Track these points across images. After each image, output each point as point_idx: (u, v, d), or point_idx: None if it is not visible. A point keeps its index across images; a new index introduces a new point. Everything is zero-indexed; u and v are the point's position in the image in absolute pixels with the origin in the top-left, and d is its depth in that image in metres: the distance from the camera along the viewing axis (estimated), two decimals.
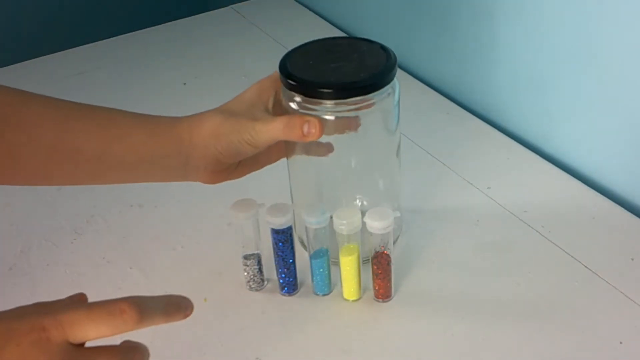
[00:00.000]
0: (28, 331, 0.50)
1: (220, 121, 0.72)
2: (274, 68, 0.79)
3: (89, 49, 1.41)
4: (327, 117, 0.77)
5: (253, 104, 0.75)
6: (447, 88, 1.19)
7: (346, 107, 0.77)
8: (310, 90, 0.76)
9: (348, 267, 0.79)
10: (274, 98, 0.77)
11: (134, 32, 1.44)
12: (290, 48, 0.81)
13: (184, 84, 1.26)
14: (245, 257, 0.82)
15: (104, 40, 1.42)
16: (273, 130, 0.72)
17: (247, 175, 1.01)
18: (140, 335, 0.79)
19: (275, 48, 1.32)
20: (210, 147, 0.72)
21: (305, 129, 0.72)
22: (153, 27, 1.46)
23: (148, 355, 0.55)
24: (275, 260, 0.81)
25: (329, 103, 0.76)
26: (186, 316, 0.55)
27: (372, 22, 1.32)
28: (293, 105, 0.79)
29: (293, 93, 0.77)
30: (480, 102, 1.14)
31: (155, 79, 1.29)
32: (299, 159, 0.84)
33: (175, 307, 0.54)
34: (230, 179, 0.77)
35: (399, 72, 0.80)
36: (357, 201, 0.85)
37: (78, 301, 0.54)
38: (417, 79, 1.22)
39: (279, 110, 0.78)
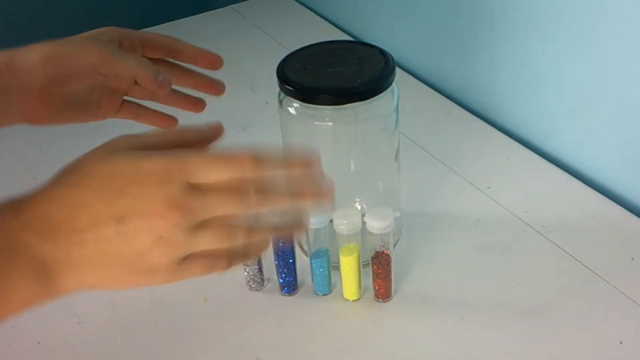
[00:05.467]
0: (152, 171, 0.51)
1: (54, 45, 0.68)
2: (273, 68, 0.79)
3: None
4: (326, 122, 0.77)
5: (89, 36, 0.71)
6: (447, 88, 1.19)
7: (344, 113, 0.77)
8: (308, 95, 0.76)
9: (348, 267, 0.79)
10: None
11: None
12: (290, 48, 0.81)
13: None
14: None
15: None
16: (127, 62, 0.69)
17: None
18: (141, 334, 0.79)
19: (275, 48, 1.32)
20: (37, 72, 0.67)
21: (160, 77, 0.70)
22: (153, 27, 1.46)
23: (267, 198, 0.54)
24: (275, 260, 0.81)
25: (327, 109, 0.76)
26: (300, 167, 0.55)
27: (372, 22, 1.32)
28: (291, 110, 0.79)
29: (291, 98, 0.77)
30: (480, 102, 1.14)
31: None
32: None
33: (291, 159, 0.55)
34: (57, 122, 0.72)
35: (399, 73, 0.80)
36: (357, 204, 0.85)
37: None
38: (417, 79, 1.22)
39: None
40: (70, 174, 0.53)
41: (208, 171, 0.52)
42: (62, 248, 0.51)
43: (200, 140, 0.57)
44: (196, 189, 0.52)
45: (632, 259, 0.84)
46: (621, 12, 0.86)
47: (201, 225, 0.52)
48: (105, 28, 0.73)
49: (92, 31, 0.73)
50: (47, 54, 0.68)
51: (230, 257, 0.56)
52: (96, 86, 0.72)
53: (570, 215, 0.91)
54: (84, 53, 0.69)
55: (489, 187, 0.96)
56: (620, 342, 0.74)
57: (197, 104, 0.79)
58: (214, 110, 1.18)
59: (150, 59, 0.74)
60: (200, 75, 0.77)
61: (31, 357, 0.78)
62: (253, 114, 1.16)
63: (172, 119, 0.77)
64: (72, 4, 1.76)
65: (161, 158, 0.52)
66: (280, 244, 0.80)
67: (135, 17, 1.63)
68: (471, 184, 0.98)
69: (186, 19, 1.48)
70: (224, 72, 1.31)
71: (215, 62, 0.76)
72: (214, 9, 1.51)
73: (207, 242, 0.53)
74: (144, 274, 0.53)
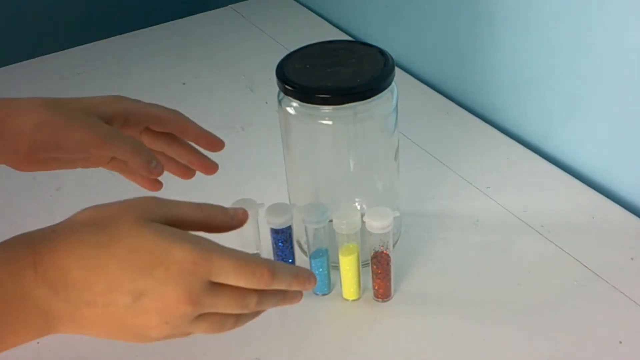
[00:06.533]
0: (180, 260, 0.53)
1: (49, 109, 0.67)
2: (273, 67, 0.79)
3: (89, 49, 1.41)
4: (325, 122, 0.77)
5: (89, 109, 0.70)
6: (447, 88, 1.19)
7: (343, 113, 0.77)
8: (307, 95, 0.76)
9: (347, 266, 0.79)
10: (120, 123, 0.72)
11: (133, 32, 1.44)
12: (289, 48, 0.81)
13: (184, 83, 1.26)
14: None
15: (104, 40, 1.42)
16: (120, 146, 0.68)
17: (247, 175, 1.02)
18: None
19: (274, 48, 1.32)
20: (26, 137, 0.66)
21: (153, 164, 0.70)
22: (152, 27, 1.46)
23: (276, 298, 0.60)
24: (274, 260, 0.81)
25: (326, 109, 0.76)
26: (306, 289, 0.60)
27: (372, 22, 1.32)
28: (290, 110, 0.79)
29: (290, 98, 0.78)
30: (480, 102, 1.14)
31: (154, 78, 1.29)
32: (296, 164, 0.84)
33: (299, 281, 0.59)
34: (44, 170, 0.71)
35: (398, 72, 0.80)
36: (356, 204, 0.85)
37: (229, 248, 0.56)
38: (417, 79, 1.22)
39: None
40: (97, 231, 0.54)
41: (230, 276, 0.54)
42: (71, 304, 0.53)
43: (225, 226, 0.60)
44: (213, 287, 0.54)
45: (632, 259, 0.84)
46: (621, 12, 0.86)
47: (201, 316, 0.55)
48: (113, 98, 0.72)
49: (99, 99, 0.72)
50: (39, 121, 0.67)
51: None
52: (85, 156, 0.71)
53: (569, 215, 0.91)
54: (76, 131, 0.67)
55: (488, 187, 0.96)
56: (620, 342, 0.74)
57: (187, 172, 0.78)
58: (214, 110, 1.18)
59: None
60: (196, 154, 0.77)
61: (31, 357, 0.78)
62: (252, 113, 1.16)
63: (157, 183, 0.76)
64: (73, 4, 1.76)
65: (191, 248, 0.54)
66: (280, 244, 0.80)
67: (135, 17, 1.63)
68: (471, 183, 0.98)
69: (186, 19, 1.48)
70: (224, 72, 1.32)
71: (216, 145, 0.76)
72: (214, 8, 1.51)
73: (200, 329, 0.56)
74: (136, 339, 0.57)
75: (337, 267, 0.81)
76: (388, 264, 0.79)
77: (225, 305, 0.56)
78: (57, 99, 0.70)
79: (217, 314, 0.56)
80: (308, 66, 0.79)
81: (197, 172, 0.78)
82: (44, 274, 0.52)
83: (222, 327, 0.58)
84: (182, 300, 0.53)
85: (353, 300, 0.82)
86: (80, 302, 0.53)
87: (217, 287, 0.55)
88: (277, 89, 0.79)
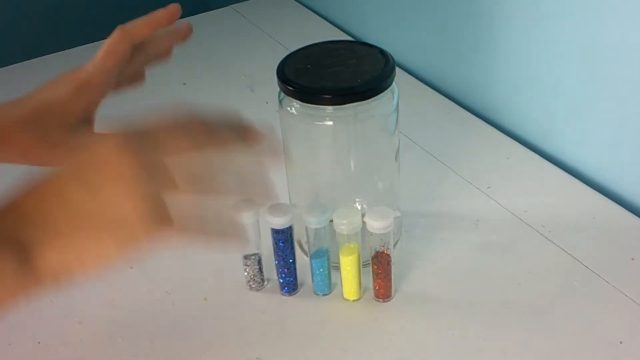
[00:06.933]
0: (101, 138, 0.53)
1: (30, 138, 0.70)
2: (273, 68, 0.79)
3: (89, 49, 1.40)
4: (326, 122, 0.77)
5: (65, 118, 0.72)
6: (447, 88, 1.19)
7: (344, 113, 0.77)
8: (308, 95, 0.76)
9: (348, 267, 0.79)
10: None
11: None
12: (290, 48, 0.81)
13: (184, 83, 1.26)
14: (246, 257, 0.82)
15: (104, 41, 1.42)
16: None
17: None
18: (141, 334, 0.79)
19: (275, 48, 1.32)
20: (16, 161, 0.70)
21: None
22: None
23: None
24: (275, 260, 0.81)
25: (326, 109, 0.76)
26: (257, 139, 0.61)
27: (372, 21, 1.32)
28: (291, 110, 0.79)
29: (291, 98, 0.78)
30: (480, 102, 1.14)
31: (154, 78, 1.28)
32: (297, 164, 0.84)
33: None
34: None
35: (399, 72, 0.80)
36: (357, 204, 0.85)
37: None
38: (417, 79, 1.22)
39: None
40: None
41: (150, 117, 0.53)
42: (38, 225, 0.51)
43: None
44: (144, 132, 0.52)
45: (632, 259, 0.84)
46: (621, 12, 0.86)
47: (160, 164, 0.52)
48: (77, 89, 0.77)
49: (67, 96, 0.75)
50: (25, 152, 0.70)
51: (205, 223, 0.56)
52: None
53: (570, 215, 0.91)
54: (61, 153, 0.70)
55: (489, 187, 0.97)
56: (620, 342, 0.74)
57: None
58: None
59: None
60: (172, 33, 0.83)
61: (31, 357, 0.78)
62: (253, 114, 1.15)
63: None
64: (73, 4, 1.76)
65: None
66: (281, 244, 0.80)
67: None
68: (471, 183, 0.98)
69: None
70: (224, 72, 1.32)
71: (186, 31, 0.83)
72: (214, 9, 1.51)
73: (168, 174, 0.52)
74: (121, 231, 0.51)
75: (337, 267, 0.81)
76: (389, 264, 0.79)
77: (165, 137, 0.52)
78: (35, 113, 0.72)
79: (182, 165, 0.52)
80: (309, 66, 0.79)
81: None
82: (2, 211, 0.52)
83: (195, 141, 0.54)
84: (115, 147, 0.50)
85: (354, 301, 0.82)
86: (40, 215, 0.51)
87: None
88: (277, 89, 0.79)
